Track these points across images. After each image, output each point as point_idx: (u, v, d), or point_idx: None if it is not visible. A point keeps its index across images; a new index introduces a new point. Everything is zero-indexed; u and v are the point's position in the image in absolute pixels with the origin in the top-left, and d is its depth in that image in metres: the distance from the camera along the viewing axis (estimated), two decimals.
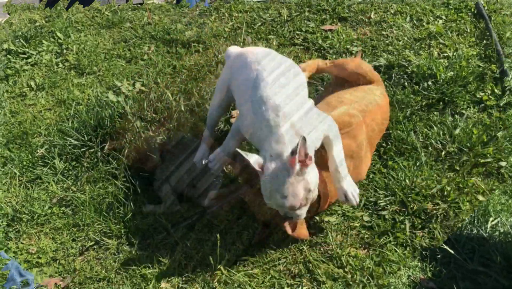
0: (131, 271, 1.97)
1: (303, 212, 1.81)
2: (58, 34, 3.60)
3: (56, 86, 3.15)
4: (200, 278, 1.92)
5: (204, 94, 2.78)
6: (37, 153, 2.58)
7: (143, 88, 2.99)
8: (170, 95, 2.74)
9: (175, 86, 2.90)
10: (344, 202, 1.94)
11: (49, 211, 2.28)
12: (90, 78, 3.19)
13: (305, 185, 1.75)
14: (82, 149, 2.54)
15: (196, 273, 1.94)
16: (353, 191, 1.91)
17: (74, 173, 2.46)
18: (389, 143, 2.37)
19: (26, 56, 3.43)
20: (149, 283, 1.92)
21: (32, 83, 3.18)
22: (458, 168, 2.20)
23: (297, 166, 1.71)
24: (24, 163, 2.56)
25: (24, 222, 2.24)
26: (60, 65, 3.35)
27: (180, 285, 1.91)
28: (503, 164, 2.18)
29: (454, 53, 2.86)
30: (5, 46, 3.47)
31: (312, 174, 1.78)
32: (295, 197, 1.74)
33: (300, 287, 1.84)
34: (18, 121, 2.87)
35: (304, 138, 1.68)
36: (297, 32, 3.34)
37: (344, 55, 3.03)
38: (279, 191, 1.73)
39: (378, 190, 2.17)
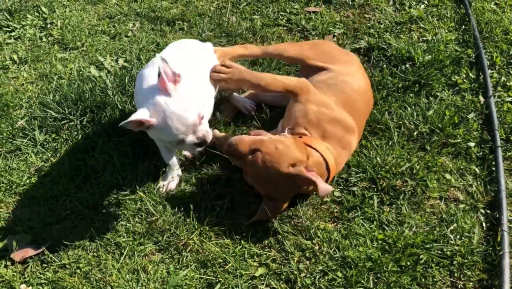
0: (106, 240, 2.02)
1: (205, 127, 1.93)
2: (43, 8, 3.59)
3: (39, 60, 3.15)
4: (173, 247, 1.97)
5: None
6: (17, 124, 2.60)
7: (126, 64, 3.01)
8: None
9: None
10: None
11: (28, 181, 2.31)
12: (73, 53, 3.20)
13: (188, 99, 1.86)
14: (63, 122, 2.57)
15: (169, 242, 2.00)
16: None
17: (54, 145, 2.49)
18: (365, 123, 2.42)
19: (9, 29, 3.42)
20: (123, 251, 1.97)
21: (15, 57, 3.18)
22: (428, 148, 2.26)
23: (171, 86, 1.81)
24: (4, 134, 2.58)
25: (2, 191, 2.28)
26: (44, 39, 3.35)
27: (154, 253, 1.96)
28: (471, 144, 2.25)
29: (433, 38, 2.91)
30: None
31: (192, 90, 1.91)
32: (189, 112, 1.83)
33: (269, 257, 1.90)
34: (0, 93, 2.88)
35: (163, 59, 1.77)
36: (281, 13, 3.36)
37: (325, 36, 3.06)
38: (174, 117, 1.81)
39: (350, 167, 2.22)
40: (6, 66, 3.13)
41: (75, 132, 2.51)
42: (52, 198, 2.24)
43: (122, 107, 2.54)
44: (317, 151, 1.99)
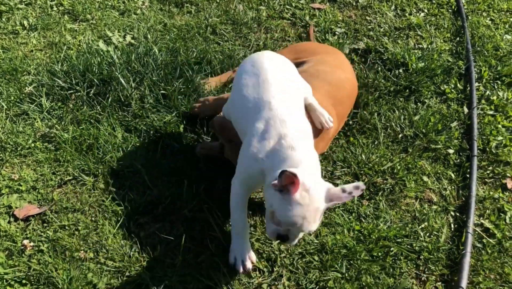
0: (104, 207, 2.17)
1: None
2: None
3: (48, 28, 3.25)
4: (167, 219, 2.13)
5: (190, 54, 2.93)
6: (25, 89, 2.71)
7: (133, 41, 3.12)
8: (157, 51, 2.89)
9: (163, 43, 3.04)
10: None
11: (33, 145, 2.44)
12: (82, 25, 3.30)
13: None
14: (69, 91, 2.69)
15: (164, 214, 2.15)
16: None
17: (60, 113, 2.61)
18: (355, 122, 2.58)
19: None
20: (119, 218, 2.12)
21: (25, 23, 3.27)
22: (410, 150, 2.43)
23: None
24: (12, 98, 2.69)
25: (8, 151, 2.40)
26: (55, 8, 3.43)
27: (149, 221, 2.12)
28: (450, 151, 2.42)
29: (429, 46, 3.06)
30: None
31: None
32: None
33: (253, 236, 2.06)
34: (9, 57, 2.98)
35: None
36: (287, 6, 3.48)
37: (327, 34, 3.20)
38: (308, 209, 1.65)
39: (336, 161, 2.39)
40: (16, 31, 3.22)
41: (81, 103, 2.64)
42: (55, 163, 2.37)
43: (126, 83, 2.67)
44: None
